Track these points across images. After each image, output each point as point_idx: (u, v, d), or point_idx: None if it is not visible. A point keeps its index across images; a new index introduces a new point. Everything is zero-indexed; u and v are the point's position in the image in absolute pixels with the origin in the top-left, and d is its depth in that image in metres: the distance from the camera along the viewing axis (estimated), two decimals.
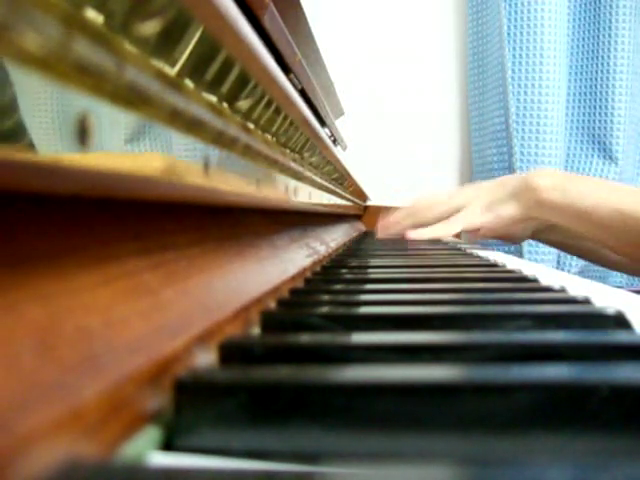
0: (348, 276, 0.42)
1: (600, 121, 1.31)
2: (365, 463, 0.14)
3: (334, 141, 0.83)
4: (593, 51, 1.31)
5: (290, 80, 0.37)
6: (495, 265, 0.49)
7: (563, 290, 0.33)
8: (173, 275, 0.21)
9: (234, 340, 0.21)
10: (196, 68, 0.19)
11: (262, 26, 0.29)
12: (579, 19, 1.32)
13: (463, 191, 0.84)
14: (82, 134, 0.13)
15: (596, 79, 1.31)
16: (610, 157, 1.30)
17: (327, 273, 0.43)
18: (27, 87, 0.11)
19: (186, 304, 0.20)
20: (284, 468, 0.13)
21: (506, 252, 1.19)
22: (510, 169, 1.24)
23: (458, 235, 0.86)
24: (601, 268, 1.28)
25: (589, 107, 1.33)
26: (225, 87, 0.23)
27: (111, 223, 0.19)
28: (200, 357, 0.19)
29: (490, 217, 0.77)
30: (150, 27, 0.15)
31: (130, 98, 0.15)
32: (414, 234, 0.80)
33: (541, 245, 1.23)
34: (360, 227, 1.29)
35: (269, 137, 0.31)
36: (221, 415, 0.15)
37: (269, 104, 0.28)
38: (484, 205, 0.79)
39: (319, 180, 0.52)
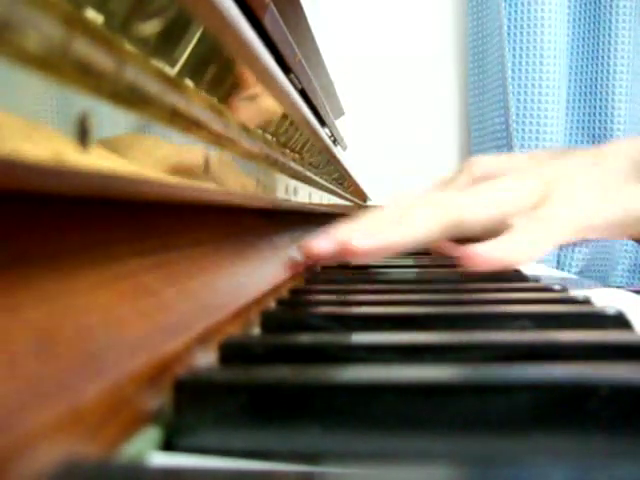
0: (348, 276, 0.42)
1: (600, 121, 1.31)
2: (365, 463, 0.14)
3: (334, 141, 0.83)
4: (593, 51, 1.31)
5: (290, 80, 0.37)
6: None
7: (563, 290, 0.33)
8: (173, 275, 0.21)
9: (234, 340, 0.21)
10: (196, 68, 0.19)
11: (262, 26, 0.29)
12: (579, 19, 1.32)
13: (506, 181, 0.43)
14: (82, 134, 0.13)
15: (596, 79, 1.31)
16: None
17: (327, 273, 0.43)
18: (27, 87, 0.11)
19: (186, 304, 0.20)
20: (284, 468, 0.13)
21: None
22: None
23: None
24: (601, 268, 1.28)
25: (589, 107, 1.33)
26: (225, 87, 0.23)
27: (111, 223, 0.19)
28: (200, 357, 0.19)
29: (614, 210, 0.41)
30: (150, 27, 0.15)
31: (130, 98, 0.15)
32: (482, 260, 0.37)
33: None
34: None
35: (269, 137, 0.31)
36: (221, 415, 0.15)
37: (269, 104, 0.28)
38: (589, 192, 0.41)
39: (319, 180, 0.52)
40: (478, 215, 0.40)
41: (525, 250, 0.37)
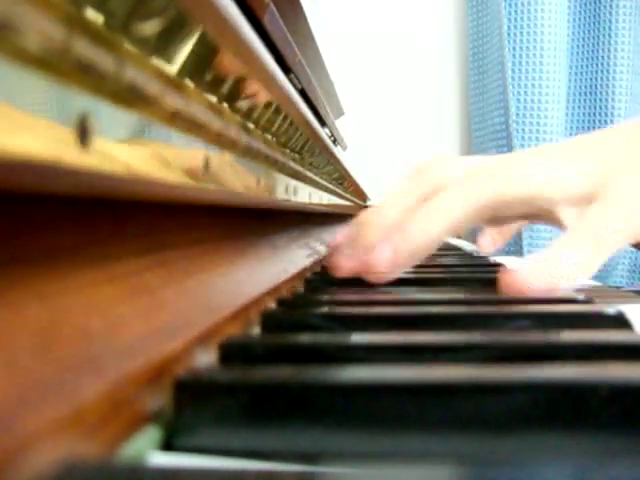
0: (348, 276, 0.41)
1: (600, 121, 1.31)
2: (365, 463, 0.14)
3: (334, 141, 0.83)
4: (593, 51, 1.31)
5: (290, 80, 0.37)
6: (495, 265, 0.49)
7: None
8: (173, 275, 0.21)
9: (234, 340, 0.21)
10: (196, 68, 0.19)
11: (262, 26, 0.29)
12: (579, 19, 1.32)
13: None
14: (82, 134, 0.13)
15: (596, 79, 1.31)
16: None
17: (327, 273, 0.43)
18: (27, 87, 0.11)
19: (186, 304, 0.20)
20: (284, 468, 0.13)
21: (506, 252, 1.19)
22: None
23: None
24: (601, 268, 1.27)
25: (589, 107, 1.33)
26: (225, 87, 0.23)
27: (111, 223, 0.19)
28: (200, 357, 0.19)
29: None
30: (150, 27, 0.15)
31: (130, 98, 0.15)
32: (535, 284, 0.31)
33: (541, 244, 1.23)
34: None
35: (269, 137, 0.31)
36: (221, 415, 0.15)
37: (269, 104, 0.28)
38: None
39: (319, 180, 0.52)
40: (518, 190, 0.33)
41: (574, 272, 0.30)
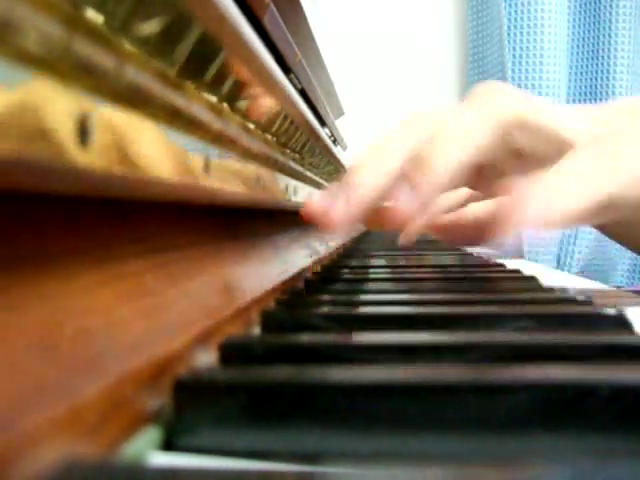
0: (348, 276, 0.42)
1: None
2: (365, 463, 0.14)
3: (334, 141, 0.83)
4: (593, 51, 1.31)
5: (290, 80, 0.37)
6: (496, 265, 0.49)
7: (564, 290, 0.33)
8: (173, 275, 0.21)
9: (234, 340, 0.21)
10: (196, 68, 0.19)
11: (262, 26, 0.29)
12: (579, 19, 1.32)
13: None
14: (82, 134, 0.13)
15: (596, 79, 1.31)
16: None
17: (327, 273, 0.43)
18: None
19: (186, 304, 0.20)
20: (284, 468, 0.13)
21: (507, 254, 1.19)
22: None
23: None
24: (601, 268, 1.28)
25: None
26: (225, 87, 0.23)
27: (111, 223, 0.19)
28: (200, 357, 0.19)
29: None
30: (150, 27, 0.15)
31: (130, 98, 0.15)
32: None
33: (541, 246, 1.22)
34: (360, 227, 1.29)
35: (269, 137, 0.31)
36: (221, 415, 0.15)
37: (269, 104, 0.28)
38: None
39: (319, 180, 0.52)
40: (542, 118, 0.31)
41: (580, 194, 0.27)
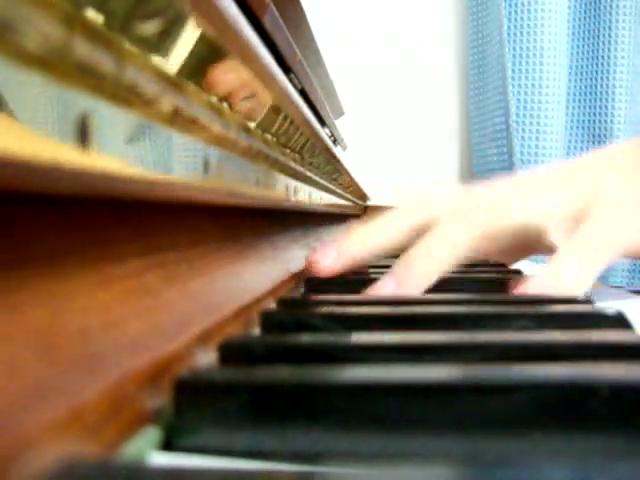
0: (348, 276, 0.41)
1: (600, 121, 1.31)
2: (365, 463, 0.14)
3: (334, 141, 0.83)
4: (593, 51, 1.31)
5: (290, 80, 0.37)
6: (496, 265, 0.49)
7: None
8: (173, 275, 0.21)
9: (234, 340, 0.21)
10: (196, 68, 0.19)
11: (262, 26, 0.29)
12: (579, 19, 1.32)
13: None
14: (82, 134, 0.13)
15: (596, 79, 1.31)
16: None
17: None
18: (27, 87, 0.11)
19: (186, 304, 0.20)
20: (284, 468, 0.13)
21: None
22: (510, 169, 1.24)
23: None
24: None
25: (589, 107, 1.33)
26: (225, 87, 0.22)
27: (111, 224, 0.19)
28: (200, 357, 0.19)
29: None
30: (150, 27, 0.15)
31: (130, 98, 0.15)
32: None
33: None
34: None
35: (269, 137, 0.31)
36: (221, 415, 0.15)
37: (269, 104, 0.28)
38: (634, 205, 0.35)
39: (319, 180, 0.52)
40: (514, 220, 0.36)
41: (574, 284, 0.33)
